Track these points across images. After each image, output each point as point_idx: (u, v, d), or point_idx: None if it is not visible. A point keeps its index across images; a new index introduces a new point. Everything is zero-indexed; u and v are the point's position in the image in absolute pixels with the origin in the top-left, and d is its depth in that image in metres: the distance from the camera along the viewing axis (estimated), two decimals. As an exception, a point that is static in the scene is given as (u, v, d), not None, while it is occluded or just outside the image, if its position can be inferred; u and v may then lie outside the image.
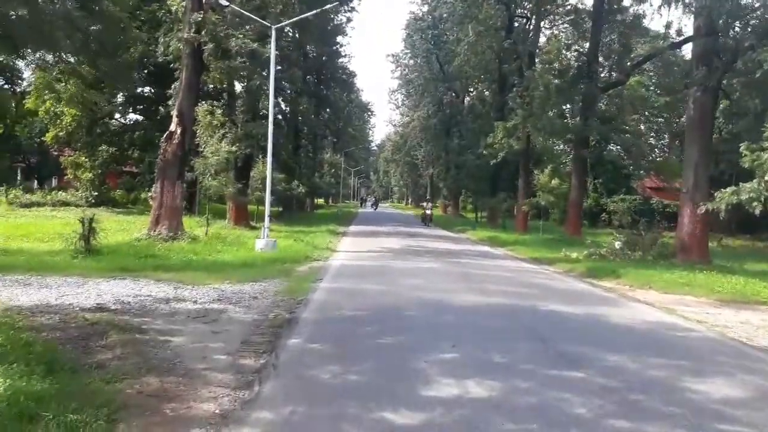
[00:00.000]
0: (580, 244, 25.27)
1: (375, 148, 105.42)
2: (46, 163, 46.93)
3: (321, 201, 66.31)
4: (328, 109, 50.86)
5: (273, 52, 16.37)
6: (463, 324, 7.89)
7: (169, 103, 26.08)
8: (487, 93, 42.67)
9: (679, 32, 25.01)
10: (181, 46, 17.37)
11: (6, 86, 43.23)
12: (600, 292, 11.92)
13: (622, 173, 46.52)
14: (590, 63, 25.41)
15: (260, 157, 28.44)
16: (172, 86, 24.32)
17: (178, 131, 17.16)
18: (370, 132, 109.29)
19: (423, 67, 52.61)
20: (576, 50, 26.63)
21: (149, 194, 21.62)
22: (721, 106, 28.57)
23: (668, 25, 25.06)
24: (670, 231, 42.47)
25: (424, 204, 42.48)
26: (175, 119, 17.44)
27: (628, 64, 25.92)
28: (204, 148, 20.92)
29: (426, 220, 36.45)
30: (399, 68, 57.94)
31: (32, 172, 49.58)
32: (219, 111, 22.43)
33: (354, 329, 7.33)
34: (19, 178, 46.04)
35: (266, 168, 27.68)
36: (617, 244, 19.54)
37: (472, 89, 51.23)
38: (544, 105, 26.75)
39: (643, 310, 10.04)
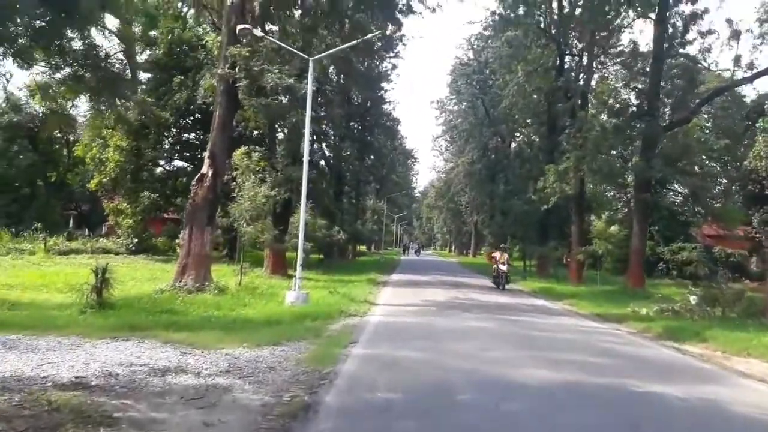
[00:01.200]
0: (644, 296, 22.68)
1: (418, 194, 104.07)
2: (96, 211, 47.16)
3: (363, 248, 64.77)
4: (371, 156, 49.88)
5: (310, 86, 15.03)
6: (540, 418, 5.88)
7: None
8: (534, 137, 40.77)
9: (750, 65, 22.92)
10: (215, 83, 16.27)
11: (59, 134, 44.12)
12: (693, 362, 9.66)
13: (678, 220, 43.50)
14: (651, 100, 23.34)
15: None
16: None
17: (210, 174, 15.92)
18: (414, 178, 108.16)
19: (468, 112, 51.37)
20: (634, 88, 24.63)
21: (177, 241, 20.35)
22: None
23: (737, 59, 22.90)
24: (734, 282, 39.18)
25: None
26: (207, 161, 16.25)
27: (696, 101, 23.73)
28: (239, 192, 19.71)
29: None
30: (443, 114, 57.01)
31: (83, 219, 49.95)
32: (257, 154, 21.37)
33: (390, 426, 5.43)
34: (71, 225, 46.29)
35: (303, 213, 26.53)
36: (693, 299, 17.02)
37: (518, 134, 49.51)
38: (599, 145, 24.73)
39: (759, 389, 7.80)
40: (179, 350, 8.63)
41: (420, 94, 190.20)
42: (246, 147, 20.70)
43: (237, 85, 15.87)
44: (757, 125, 42.54)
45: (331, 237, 28.21)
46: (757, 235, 42.55)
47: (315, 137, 35.55)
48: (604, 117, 27.76)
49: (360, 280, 23.55)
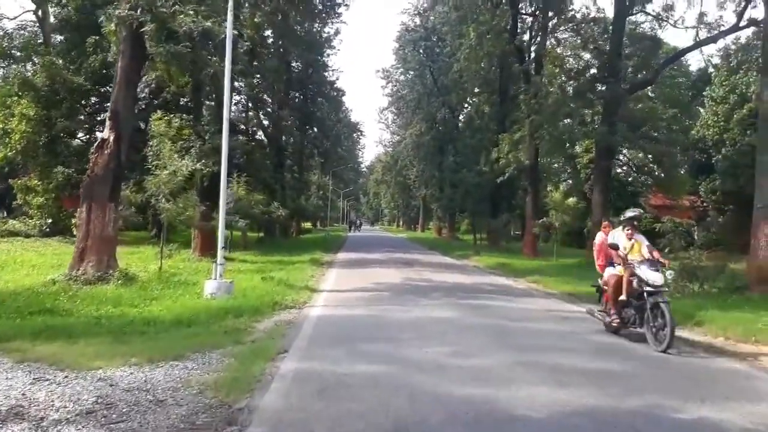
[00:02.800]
0: (607, 271, 21.24)
1: (365, 169, 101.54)
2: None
3: (308, 225, 61.95)
4: (315, 127, 46.97)
5: (230, 22, 12.13)
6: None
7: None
8: (485, 107, 38.81)
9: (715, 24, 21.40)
10: (114, 27, 13.21)
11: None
12: (708, 359, 7.73)
13: (627, 190, 42.86)
14: (612, 61, 21.54)
15: (236, 175, 24.29)
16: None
17: (111, 138, 12.95)
18: (360, 153, 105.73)
19: (415, 81, 48.93)
20: (594, 48, 22.78)
21: (73, 221, 17.29)
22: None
23: (701, 17, 21.29)
24: (683, 252, 38.78)
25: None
26: (108, 123, 13.26)
27: (657, 62, 22.11)
28: (155, 162, 16.75)
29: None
30: (390, 84, 54.21)
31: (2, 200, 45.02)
32: (177, 120, 18.41)
33: None
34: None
35: (236, 187, 23.66)
36: (669, 274, 15.40)
37: (467, 105, 47.57)
38: (558, 110, 22.88)
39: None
40: (34, 374, 6.02)
41: (365, 66, 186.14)
42: (159, 108, 17.69)
43: (143, 30, 12.85)
44: (704, 94, 42.22)
45: (270, 214, 25.44)
46: (704, 204, 42.45)
47: (251, 104, 32.44)
48: (561, 81, 25.99)
49: (302, 261, 21.03)
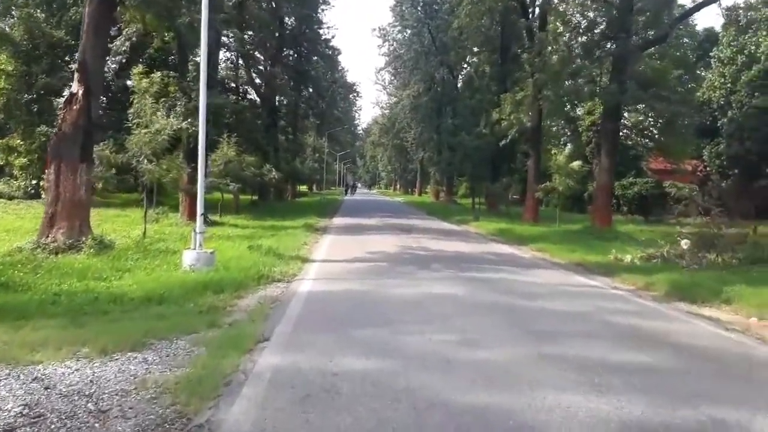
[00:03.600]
0: (613, 237, 20.15)
1: (362, 132, 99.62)
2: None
3: (304, 188, 60.62)
4: (309, 87, 45.22)
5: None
6: None
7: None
8: (485, 66, 37.08)
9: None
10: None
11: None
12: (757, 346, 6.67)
13: (628, 154, 41.56)
14: (623, 15, 19.98)
15: (225, 135, 22.96)
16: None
17: (80, 92, 11.59)
18: (357, 115, 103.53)
19: (413, 40, 46.96)
20: (604, 1, 21.16)
21: (42, 184, 16.05)
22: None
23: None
24: (684, 217, 37.77)
25: None
26: (76, 75, 11.88)
27: (670, 18, 20.52)
28: (135, 120, 15.44)
29: None
30: (387, 43, 52.15)
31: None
32: (159, 74, 17.02)
33: None
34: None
35: (225, 148, 22.34)
36: (684, 243, 14.35)
37: (467, 65, 45.76)
38: (564, 68, 21.44)
39: None
40: (-47, 371, 4.94)
41: (362, 25, 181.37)
42: (142, 64, 16.24)
43: (113, -30, 11.37)
44: (710, 55, 40.55)
45: (263, 176, 24.18)
46: (707, 169, 41.24)
47: (241, 61, 30.74)
48: (567, 37, 24.42)
49: (295, 226, 19.90)
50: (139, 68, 16.16)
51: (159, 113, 15.71)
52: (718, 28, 43.78)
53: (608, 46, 20.92)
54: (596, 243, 18.17)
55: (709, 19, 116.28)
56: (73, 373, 5.00)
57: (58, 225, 11.45)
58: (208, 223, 20.08)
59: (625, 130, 45.46)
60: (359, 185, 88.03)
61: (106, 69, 22.25)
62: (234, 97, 25.98)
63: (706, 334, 7.08)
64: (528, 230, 21.63)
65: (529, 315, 7.50)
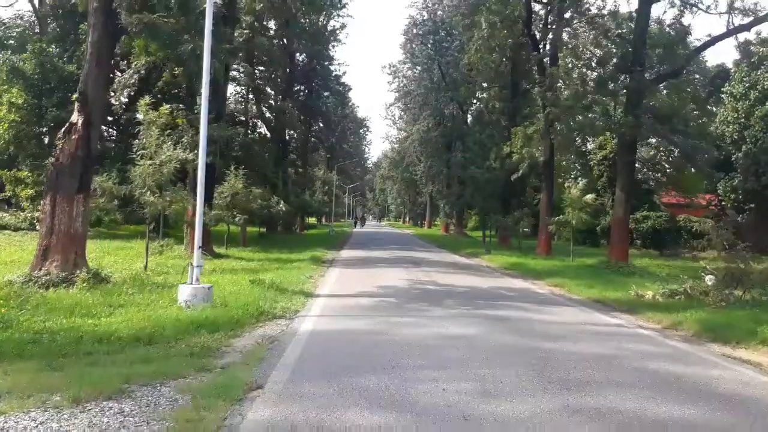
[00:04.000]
0: (630, 272, 19.33)
1: (371, 165, 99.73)
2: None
3: (313, 220, 60.13)
4: (320, 122, 45.21)
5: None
6: None
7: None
8: (495, 102, 36.78)
9: (748, 11, 19.40)
10: (84, -5, 11.41)
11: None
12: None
13: (641, 188, 40.78)
14: (637, 49, 19.56)
15: (233, 168, 22.56)
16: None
17: (80, 122, 11.18)
18: (367, 149, 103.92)
19: (423, 76, 46.99)
20: (618, 36, 20.80)
21: (37, 215, 15.63)
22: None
23: (732, 3, 19.23)
24: (698, 251, 36.70)
25: None
26: (76, 105, 11.48)
27: (685, 51, 20.06)
28: (139, 151, 15.04)
29: None
30: (397, 79, 52.24)
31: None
32: (167, 106, 16.76)
33: None
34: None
35: (233, 180, 21.90)
36: (709, 279, 13.53)
37: (476, 101, 45.62)
38: (577, 102, 20.97)
39: None
40: None
41: (372, 62, 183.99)
42: (151, 97, 15.93)
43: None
44: (723, 90, 40.08)
45: (270, 208, 23.67)
46: (721, 203, 40.30)
47: (250, 95, 30.63)
48: (579, 71, 24.08)
49: (302, 259, 19.25)
50: (146, 99, 15.83)
51: (165, 145, 15.35)
52: (729, 64, 43.56)
53: (622, 78, 20.44)
54: (614, 278, 17.36)
55: (719, 56, 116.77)
56: (36, 427, 4.33)
57: (51, 258, 10.88)
58: (213, 254, 19.57)
59: (637, 164, 45.02)
60: (369, 218, 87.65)
61: (115, 101, 22.13)
62: (243, 130, 25.72)
63: (753, 382, 6.27)
64: (542, 264, 20.84)
65: (552, 359, 6.73)
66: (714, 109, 41.31)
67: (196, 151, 18.34)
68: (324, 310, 9.71)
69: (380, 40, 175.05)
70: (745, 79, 37.55)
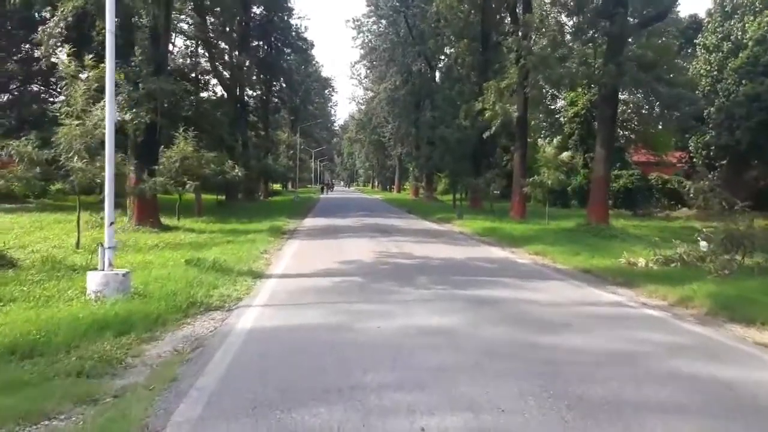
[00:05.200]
0: (612, 235, 18.08)
1: (338, 129, 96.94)
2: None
3: (278, 186, 57.79)
4: (282, 83, 42.55)
5: None
6: None
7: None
8: (465, 56, 34.71)
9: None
10: None
11: None
12: None
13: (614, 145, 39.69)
14: (620, -9, 17.80)
15: (182, 129, 20.30)
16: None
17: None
18: (333, 111, 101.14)
19: (389, 30, 44.50)
20: (598, -24, 18.96)
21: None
22: None
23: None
24: (670, 210, 36.03)
25: None
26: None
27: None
28: (63, 109, 12.84)
29: None
30: (361, 35, 49.52)
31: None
32: (91, 56, 14.42)
33: None
34: None
35: (182, 143, 19.72)
36: (703, 245, 12.21)
37: (445, 56, 43.48)
38: (555, 50, 19.24)
39: None
40: None
41: (336, 16, 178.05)
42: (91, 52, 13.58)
43: None
44: (696, 41, 38.79)
45: (225, 174, 21.56)
46: (692, 160, 39.52)
47: (201, 49, 27.96)
48: (555, 18, 22.27)
49: (260, 230, 17.37)
50: (67, 49, 13.49)
51: (98, 104, 13.15)
52: (702, 14, 42.25)
53: (602, 25, 18.70)
54: (597, 242, 16.03)
55: (692, 5, 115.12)
56: None
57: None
58: (160, 227, 17.53)
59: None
60: (340, 183, 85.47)
61: (39, 54, 19.51)
62: (193, 88, 23.26)
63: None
64: (518, 229, 19.42)
65: (561, 364, 5.13)
66: (684, 63, 40.18)
67: (135, 110, 16.23)
68: (272, 298, 7.94)
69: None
70: (718, 29, 36.33)
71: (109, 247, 7.38)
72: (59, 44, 17.33)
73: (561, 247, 14.39)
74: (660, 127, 32.91)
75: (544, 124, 44.17)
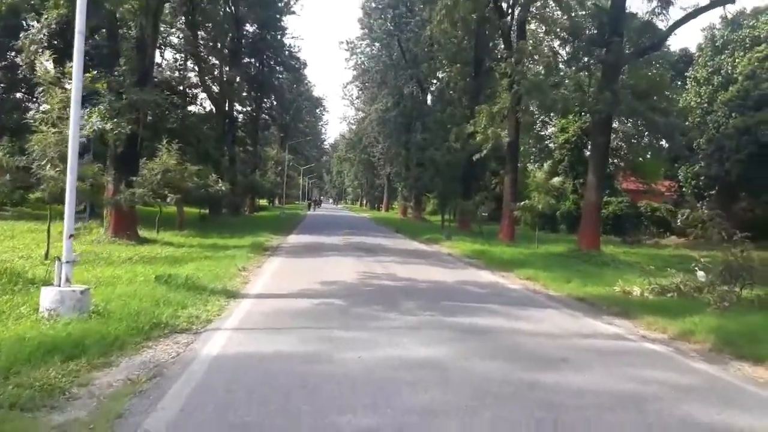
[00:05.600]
0: (603, 262, 17.65)
1: (328, 147, 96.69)
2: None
3: (264, 202, 56.98)
4: (274, 100, 42.18)
5: None
6: None
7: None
8: (457, 79, 34.54)
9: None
10: None
11: None
12: None
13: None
14: (616, 18, 17.63)
15: (166, 142, 19.69)
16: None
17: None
18: (324, 129, 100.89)
19: (382, 53, 44.41)
20: (594, 4, 18.80)
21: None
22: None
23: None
24: (659, 238, 35.82)
25: None
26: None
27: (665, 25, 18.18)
28: (37, 116, 12.22)
29: None
30: (354, 56, 49.39)
31: None
32: (70, 65, 13.89)
33: None
34: None
35: (165, 156, 19.11)
36: (701, 275, 11.76)
37: (436, 80, 43.41)
38: (549, 76, 18.98)
39: None
40: None
41: (329, 40, 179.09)
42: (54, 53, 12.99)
43: None
44: (687, 74, 39.04)
45: (208, 188, 20.91)
46: (681, 189, 39.50)
47: (189, 62, 27.47)
48: (549, 45, 22.12)
49: (241, 246, 16.69)
50: (46, 56, 12.91)
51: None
52: (692, 49, 42.60)
53: (596, 53, 18.50)
54: (589, 269, 15.56)
55: (682, 40, 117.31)
56: None
57: None
58: (137, 240, 16.79)
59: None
60: (329, 201, 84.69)
61: (21, 62, 18.90)
62: (179, 101, 22.67)
63: None
64: (507, 252, 18.94)
65: (562, 409, 4.55)
66: (674, 96, 40.34)
67: (116, 120, 15.61)
68: (245, 320, 7.30)
69: (338, 16, 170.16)
70: (708, 63, 36.57)
71: (67, 262, 6.72)
72: (41, 51, 16.76)
73: (552, 272, 13.88)
74: (649, 156, 32.72)
75: (534, 150, 44.14)
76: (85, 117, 14.11)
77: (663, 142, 22.54)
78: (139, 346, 5.91)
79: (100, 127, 14.36)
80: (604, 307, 10.12)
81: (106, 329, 6.03)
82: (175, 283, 8.77)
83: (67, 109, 12.74)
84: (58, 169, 12.22)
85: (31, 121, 12.21)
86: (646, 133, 22.59)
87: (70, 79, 13.72)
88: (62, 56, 14.34)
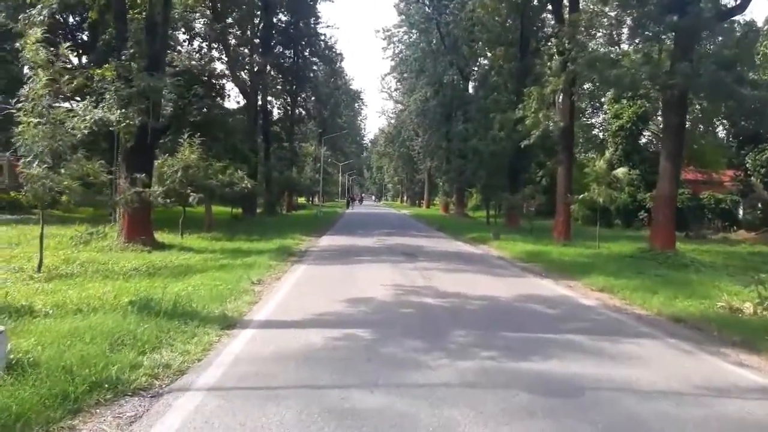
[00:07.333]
0: (684, 264, 14.87)
1: (367, 143, 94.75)
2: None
3: (302, 200, 55.39)
4: (311, 94, 40.33)
5: None
6: None
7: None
8: (501, 62, 31.77)
9: None
10: None
11: None
12: None
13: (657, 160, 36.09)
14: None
15: (187, 136, 17.96)
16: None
17: None
18: (362, 124, 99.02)
19: (420, 39, 41.97)
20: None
21: None
22: None
23: None
24: (725, 232, 32.28)
25: None
26: None
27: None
28: (19, 105, 10.48)
29: None
30: (392, 45, 47.08)
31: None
32: (67, 45, 12.27)
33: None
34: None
35: (186, 151, 17.33)
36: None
37: (476, 66, 40.75)
38: (609, 50, 16.23)
39: None
40: None
41: (367, 33, 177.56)
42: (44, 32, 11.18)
43: None
44: (755, 50, 35.02)
45: (233, 185, 19.07)
46: (748, 178, 35.68)
47: (213, 52, 25.68)
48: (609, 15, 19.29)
49: (266, 250, 14.72)
50: (37, 34, 11.12)
51: (82, 103, 10.88)
52: (759, 22, 38.43)
53: (669, 19, 15.65)
54: (670, 274, 12.87)
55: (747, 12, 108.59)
56: None
57: None
58: (153, 245, 15.03)
59: (649, 135, 40.20)
60: (369, 197, 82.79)
61: (17, 46, 17.47)
62: (202, 90, 20.83)
63: None
64: (567, 254, 16.40)
65: None
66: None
67: (124, 110, 13.88)
68: (231, 371, 5.13)
69: (374, 4, 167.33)
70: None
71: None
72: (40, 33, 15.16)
73: (628, 280, 11.34)
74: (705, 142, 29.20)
75: (580, 140, 40.90)
76: (88, 108, 12.47)
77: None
78: (54, 427, 3.83)
79: (101, 117, 12.66)
80: (714, 332, 7.61)
81: (12, 398, 3.97)
82: (158, 309, 6.71)
83: (59, 96, 11.05)
84: (46, 165, 10.49)
85: (11, 109, 10.48)
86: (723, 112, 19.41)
87: (64, 62, 12.02)
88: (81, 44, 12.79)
